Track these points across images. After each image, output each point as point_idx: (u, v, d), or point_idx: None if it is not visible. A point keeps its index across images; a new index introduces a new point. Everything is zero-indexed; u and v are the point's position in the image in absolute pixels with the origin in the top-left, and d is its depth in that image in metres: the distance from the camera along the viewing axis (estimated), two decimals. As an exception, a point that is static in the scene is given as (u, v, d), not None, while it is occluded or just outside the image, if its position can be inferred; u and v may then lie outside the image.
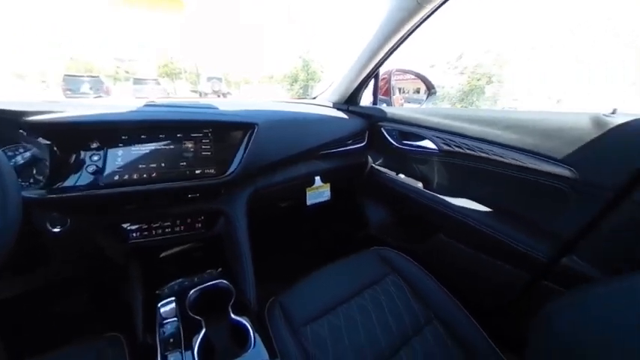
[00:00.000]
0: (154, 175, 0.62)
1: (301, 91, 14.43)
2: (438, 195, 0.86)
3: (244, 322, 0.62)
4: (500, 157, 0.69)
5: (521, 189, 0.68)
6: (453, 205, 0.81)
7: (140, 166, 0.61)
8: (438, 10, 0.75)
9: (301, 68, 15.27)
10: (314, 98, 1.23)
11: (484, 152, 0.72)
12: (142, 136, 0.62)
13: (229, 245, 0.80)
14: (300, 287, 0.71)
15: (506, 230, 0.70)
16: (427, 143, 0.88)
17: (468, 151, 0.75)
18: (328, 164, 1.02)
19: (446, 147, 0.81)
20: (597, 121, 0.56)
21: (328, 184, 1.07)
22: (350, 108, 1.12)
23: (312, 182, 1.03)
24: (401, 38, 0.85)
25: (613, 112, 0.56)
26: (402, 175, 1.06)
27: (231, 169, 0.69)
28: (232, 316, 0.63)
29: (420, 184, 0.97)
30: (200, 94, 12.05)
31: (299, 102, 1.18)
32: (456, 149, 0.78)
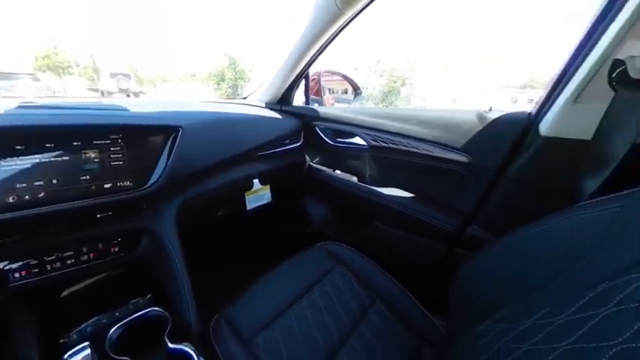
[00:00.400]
0: (42, 195, 0.49)
1: (230, 90, 13.62)
2: (371, 186, 0.95)
3: (186, 348, 0.55)
4: (416, 149, 0.80)
5: (432, 174, 0.81)
6: (383, 194, 0.91)
7: (18, 185, 0.47)
8: (361, 18, 0.81)
9: (228, 66, 14.38)
10: (245, 98, 1.18)
11: (404, 145, 0.82)
12: (17, 147, 0.48)
13: (159, 266, 0.70)
14: (247, 296, 0.68)
15: (424, 210, 0.82)
16: (358, 140, 0.95)
17: (392, 146, 0.85)
18: (266, 165, 0.99)
19: (374, 143, 0.89)
20: (480, 117, 0.71)
21: (268, 186, 1.04)
22: (283, 108, 1.11)
23: (251, 185, 0.99)
24: (327, 41, 0.89)
25: (489, 110, 0.72)
26: (338, 172, 1.12)
27: (153, 179, 0.60)
28: (170, 345, 0.56)
29: (354, 178, 1.05)
30: (102, 94, 9.99)
31: (229, 102, 1.11)
32: (382, 144, 0.87)
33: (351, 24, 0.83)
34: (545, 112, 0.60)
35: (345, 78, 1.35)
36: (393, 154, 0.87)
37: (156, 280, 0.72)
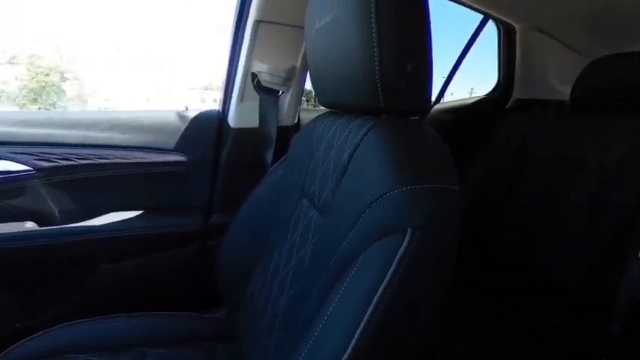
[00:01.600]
0: None
1: None
2: (69, 225, 0.67)
3: None
4: (124, 158, 0.67)
5: (154, 181, 0.74)
6: (97, 226, 0.69)
7: None
8: None
9: None
10: None
11: (105, 158, 0.65)
12: None
13: None
14: None
15: (161, 222, 0.75)
16: (6, 165, 0.59)
17: (84, 161, 0.64)
18: None
19: (45, 163, 0.60)
20: (180, 116, 0.74)
21: None
22: None
23: None
24: None
25: (186, 109, 0.77)
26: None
27: None
28: None
29: (30, 224, 0.67)
30: None
31: None
32: (64, 162, 0.62)
33: None
34: (228, 110, 0.76)
35: None
36: (92, 171, 0.65)
37: None
